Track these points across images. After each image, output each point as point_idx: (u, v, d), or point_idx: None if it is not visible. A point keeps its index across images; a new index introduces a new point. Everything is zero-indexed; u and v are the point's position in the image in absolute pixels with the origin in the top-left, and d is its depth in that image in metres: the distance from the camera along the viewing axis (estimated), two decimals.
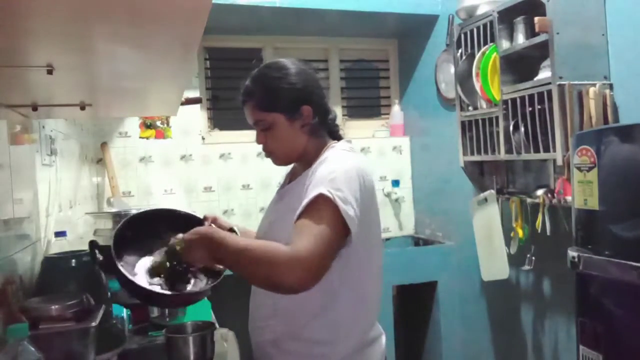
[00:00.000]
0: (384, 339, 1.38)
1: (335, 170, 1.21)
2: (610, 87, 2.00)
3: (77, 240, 1.95)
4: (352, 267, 1.25)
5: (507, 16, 2.29)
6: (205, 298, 1.98)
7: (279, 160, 1.39)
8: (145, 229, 1.39)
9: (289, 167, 1.48)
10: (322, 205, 1.15)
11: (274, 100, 1.31)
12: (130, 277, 1.25)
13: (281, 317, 1.28)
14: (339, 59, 3.53)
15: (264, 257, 1.12)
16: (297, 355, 1.28)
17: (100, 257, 1.29)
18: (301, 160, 1.37)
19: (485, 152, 2.47)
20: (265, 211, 1.50)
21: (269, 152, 1.37)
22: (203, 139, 3.18)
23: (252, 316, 1.39)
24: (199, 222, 1.44)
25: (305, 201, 1.17)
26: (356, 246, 1.22)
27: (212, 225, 1.44)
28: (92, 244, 1.32)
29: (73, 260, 1.36)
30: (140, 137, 3.02)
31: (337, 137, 1.41)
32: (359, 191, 1.21)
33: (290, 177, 1.45)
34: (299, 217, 1.17)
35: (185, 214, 1.49)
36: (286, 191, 1.40)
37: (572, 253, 1.70)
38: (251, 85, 1.34)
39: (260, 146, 1.38)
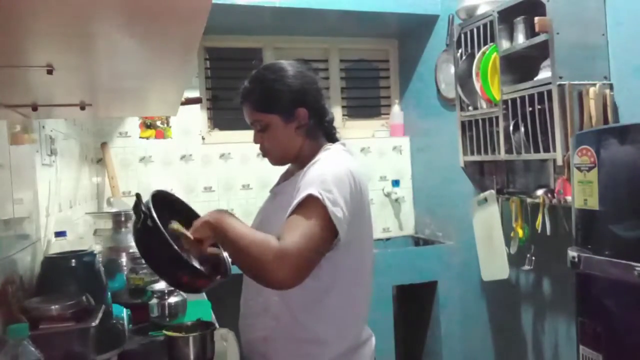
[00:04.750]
0: (373, 340, 1.39)
1: (327, 171, 1.22)
2: (610, 87, 2.00)
3: (77, 240, 1.95)
4: (343, 267, 1.26)
5: (507, 16, 2.29)
6: (206, 298, 1.99)
7: (274, 161, 1.41)
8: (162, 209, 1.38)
9: (286, 167, 1.49)
10: (311, 206, 1.17)
11: (270, 101, 1.33)
12: (165, 233, 1.20)
13: (272, 314, 1.29)
14: (339, 59, 3.53)
15: (254, 250, 1.14)
16: (288, 354, 1.29)
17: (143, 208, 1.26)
18: (297, 162, 1.39)
19: (485, 152, 2.47)
20: (259, 209, 1.51)
21: (265, 152, 1.39)
22: (203, 139, 3.17)
23: (242, 313, 1.39)
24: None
25: (295, 201, 1.19)
26: (347, 247, 1.23)
27: None
28: (138, 196, 1.29)
29: (73, 260, 1.36)
30: (140, 137, 3.02)
31: (334, 140, 1.42)
32: (349, 193, 1.22)
33: (285, 177, 1.47)
34: (289, 216, 1.19)
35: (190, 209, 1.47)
36: (278, 190, 1.42)
37: (572, 253, 1.70)
38: (249, 86, 1.36)
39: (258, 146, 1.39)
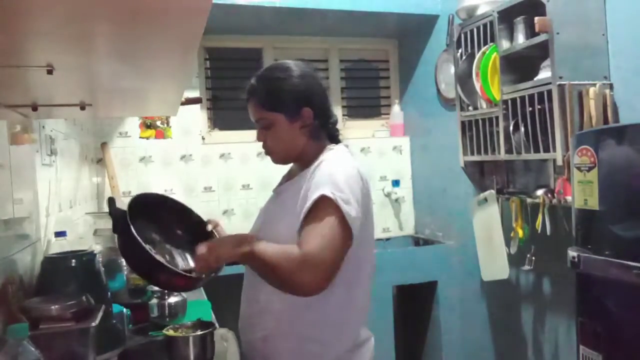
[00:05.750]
0: (372, 341, 1.39)
1: (337, 171, 1.23)
2: (610, 87, 2.00)
3: (77, 240, 1.95)
4: (344, 268, 1.25)
5: (507, 16, 2.29)
6: (206, 298, 1.98)
7: (277, 159, 1.41)
8: (152, 211, 1.40)
9: (288, 168, 1.49)
10: (325, 207, 1.18)
11: (275, 100, 1.34)
12: (140, 240, 1.22)
13: (272, 313, 1.29)
14: (339, 59, 3.52)
15: (278, 263, 1.15)
16: (288, 352, 1.29)
17: (115, 213, 1.28)
18: (299, 161, 1.39)
19: (485, 152, 2.47)
20: (260, 209, 1.52)
21: (268, 150, 1.40)
22: (203, 139, 3.17)
23: (243, 313, 1.40)
24: (202, 223, 1.46)
25: (308, 203, 1.19)
26: (353, 246, 1.23)
27: (214, 230, 1.47)
28: (110, 200, 1.33)
29: (73, 260, 1.36)
30: (140, 137, 3.01)
31: (337, 142, 1.43)
32: (359, 192, 1.23)
33: (287, 178, 1.47)
34: (305, 219, 1.19)
35: (191, 212, 1.49)
36: (281, 190, 1.43)
37: (572, 253, 1.70)
38: (255, 84, 1.37)
39: (261, 144, 1.40)
